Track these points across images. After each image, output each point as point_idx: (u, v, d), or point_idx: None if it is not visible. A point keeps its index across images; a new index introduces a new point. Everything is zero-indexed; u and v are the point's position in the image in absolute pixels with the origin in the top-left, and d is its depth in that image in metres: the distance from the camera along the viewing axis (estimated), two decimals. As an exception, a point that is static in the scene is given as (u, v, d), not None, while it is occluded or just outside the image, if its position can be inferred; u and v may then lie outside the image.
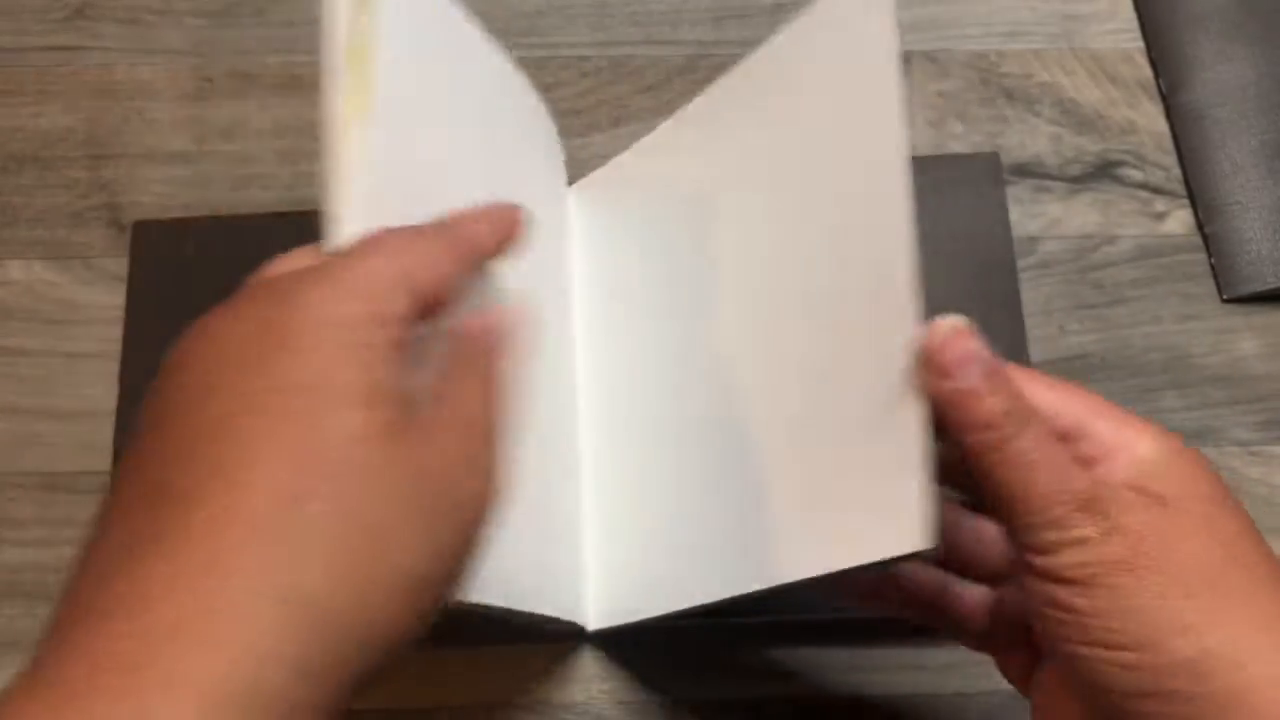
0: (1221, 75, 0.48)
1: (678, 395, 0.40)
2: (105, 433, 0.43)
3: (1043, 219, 0.47)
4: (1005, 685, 0.32)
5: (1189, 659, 0.24)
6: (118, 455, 0.43)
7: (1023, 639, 0.31)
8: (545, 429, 0.39)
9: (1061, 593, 0.26)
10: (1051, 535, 0.26)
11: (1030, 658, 0.31)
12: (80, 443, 0.43)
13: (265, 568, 0.21)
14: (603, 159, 0.47)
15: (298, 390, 0.22)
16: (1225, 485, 0.27)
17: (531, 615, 0.37)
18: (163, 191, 0.47)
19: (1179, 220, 0.47)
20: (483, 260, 0.29)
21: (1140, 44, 0.50)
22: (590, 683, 0.39)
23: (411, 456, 0.23)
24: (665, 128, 0.43)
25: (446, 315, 0.27)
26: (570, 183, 0.46)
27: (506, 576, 0.35)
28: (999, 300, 0.45)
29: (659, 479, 0.39)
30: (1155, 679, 0.25)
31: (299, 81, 0.49)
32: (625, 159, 0.45)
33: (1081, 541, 0.25)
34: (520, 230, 0.30)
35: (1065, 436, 0.27)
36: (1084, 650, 0.26)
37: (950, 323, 0.27)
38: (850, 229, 0.33)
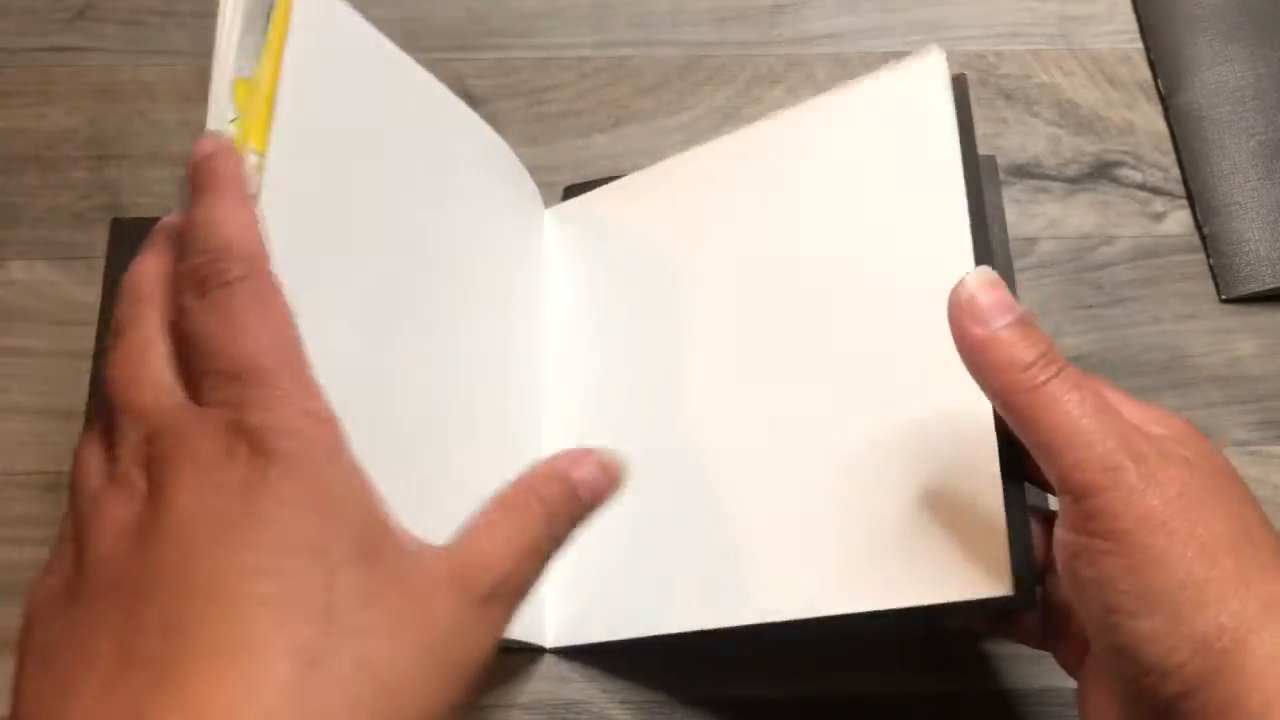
0: (1220, 76, 0.48)
1: (654, 425, 0.40)
2: (107, 432, 0.43)
3: (1041, 219, 0.47)
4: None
5: (1202, 634, 0.24)
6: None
7: (1068, 628, 0.31)
8: (508, 450, 0.40)
9: (1095, 545, 0.26)
10: (1093, 475, 0.25)
11: (1080, 646, 0.31)
12: (82, 442, 0.43)
13: None
14: (603, 159, 0.47)
15: (302, 551, 0.22)
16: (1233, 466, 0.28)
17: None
18: (165, 192, 0.47)
19: (1177, 221, 0.47)
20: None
21: (1139, 45, 0.50)
22: (590, 682, 0.39)
23: (418, 611, 0.23)
24: (666, 165, 0.44)
25: None
26: (571, 183, 0.47)
27: None
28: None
29: (630, 506, 0.40)
30: (1167, 651, 0.25)
31: (300, 83, 0.49)
32: (612, 191, 0.45)
33: (1122, 485, 0.25)
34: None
35: None
36: (1108, 617, 0.26)
37: (982, 272, 0.27)
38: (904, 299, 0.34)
